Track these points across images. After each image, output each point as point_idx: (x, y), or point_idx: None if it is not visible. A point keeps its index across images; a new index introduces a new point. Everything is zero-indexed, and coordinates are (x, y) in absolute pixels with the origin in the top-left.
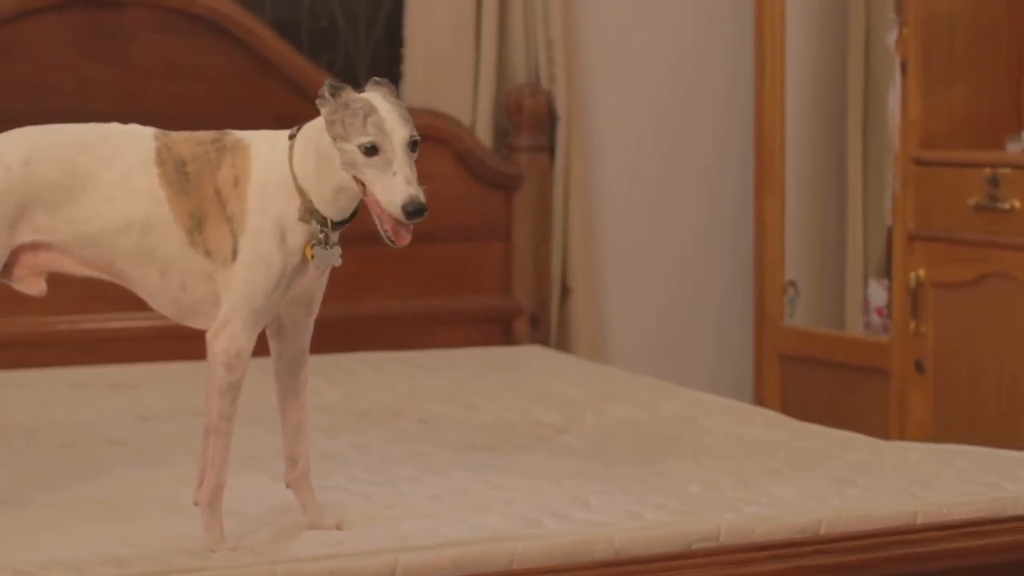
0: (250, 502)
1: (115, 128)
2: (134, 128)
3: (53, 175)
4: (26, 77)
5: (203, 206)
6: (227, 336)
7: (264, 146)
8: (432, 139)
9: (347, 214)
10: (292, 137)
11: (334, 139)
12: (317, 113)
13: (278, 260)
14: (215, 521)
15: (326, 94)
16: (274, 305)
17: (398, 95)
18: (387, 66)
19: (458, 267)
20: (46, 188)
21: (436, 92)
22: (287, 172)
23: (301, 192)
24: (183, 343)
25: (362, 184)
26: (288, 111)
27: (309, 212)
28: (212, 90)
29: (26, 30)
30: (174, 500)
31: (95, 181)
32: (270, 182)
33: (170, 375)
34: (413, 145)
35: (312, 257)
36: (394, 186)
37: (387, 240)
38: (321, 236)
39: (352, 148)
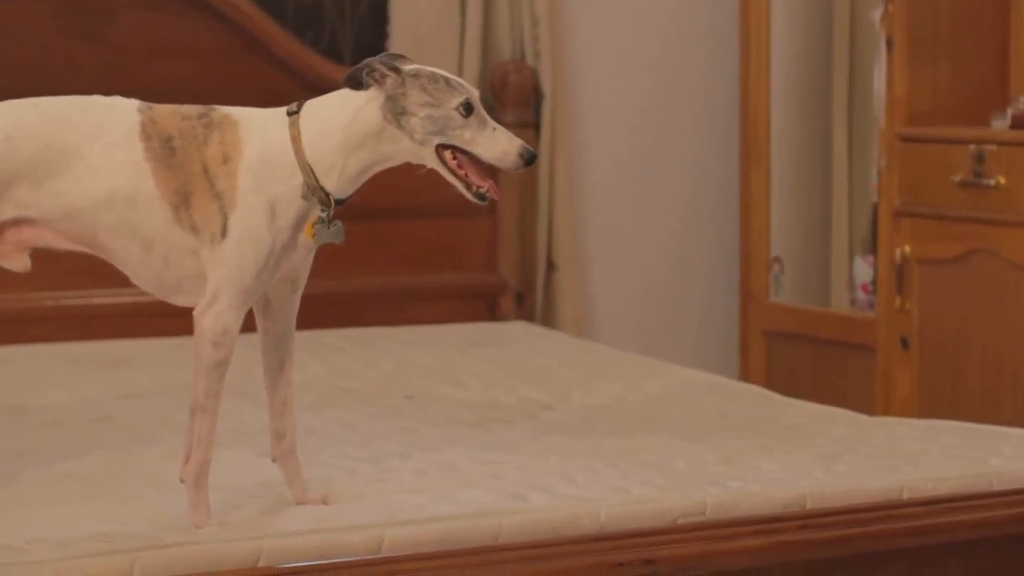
0: (236, 477)
1: (97, 100)
2: (117, 100)
3: (35, 149)
4: (9, 55)
5: (190, 182)
6: (214, 314)
7: (254, 123)
8: None
9: (350, 192)
10: (292, 114)
11: (403, 112)
12: (303, 88)
13: (268, 238)
14: (201, 498)
15: (386, 70)
16: (263, 284)
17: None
18: (372, 42)
19: (443, 243)
20: (28, 163)
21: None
22: (287, 149)
23: (306, 169)
24: (170, 319)
25: (445, 149)
26: (273, 88)
27: (312, 190)
28: (197, 67)
29: (8, 8)
30: (160, 477)
31: (78, 154)
32: (265, 159)
33: (156, 351)
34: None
35: (313, 236)
36: (499, 139)
37: (477, 198)
38: (323, 214)
39: (447, 112)
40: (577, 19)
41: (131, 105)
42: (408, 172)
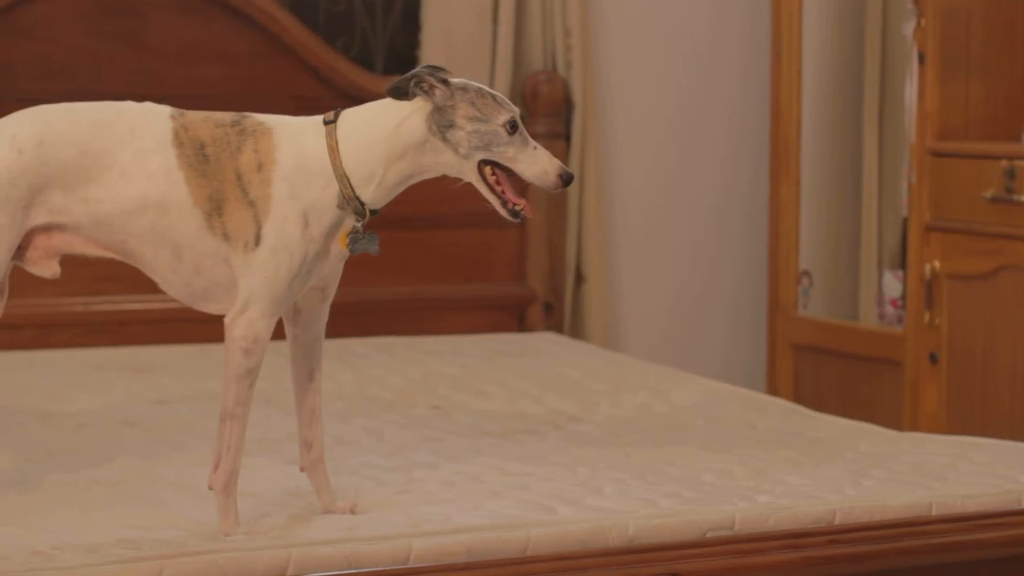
0: (265, 485)
1: (129, 106)
2: (149, 106)
3: (67, 156)
4: (42, 57)
5: (223, 189)
6: (246, 322)
7: (289, 131)
8: None
9: (384, 203)
10: (329, 123)
11: (450, 125)
12: (333, 95)
13: (301, 247)
14: (230, 505)
15: (436, 81)
16: (295, 292)
17: None
18: (404, 51)
19: (472, 253)
20: (60, 169)
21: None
22: (323, 158)
23: (343, 179)
24: (199, 326)
25: (485, 165)
26: (303, 93)
27: (347, 200)
28: (227, 72)
29: (42, 10)
30: (189, 483)
31: (110, 160)
32: (300, 168)
33: (186, 358)
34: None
35: (348, 246)
36: (540, 158)
37: (512, 215)
38: (358, 224)
39: (493, 128)
40: (609, 31)
41: (163, 111)
42: (437, 182)
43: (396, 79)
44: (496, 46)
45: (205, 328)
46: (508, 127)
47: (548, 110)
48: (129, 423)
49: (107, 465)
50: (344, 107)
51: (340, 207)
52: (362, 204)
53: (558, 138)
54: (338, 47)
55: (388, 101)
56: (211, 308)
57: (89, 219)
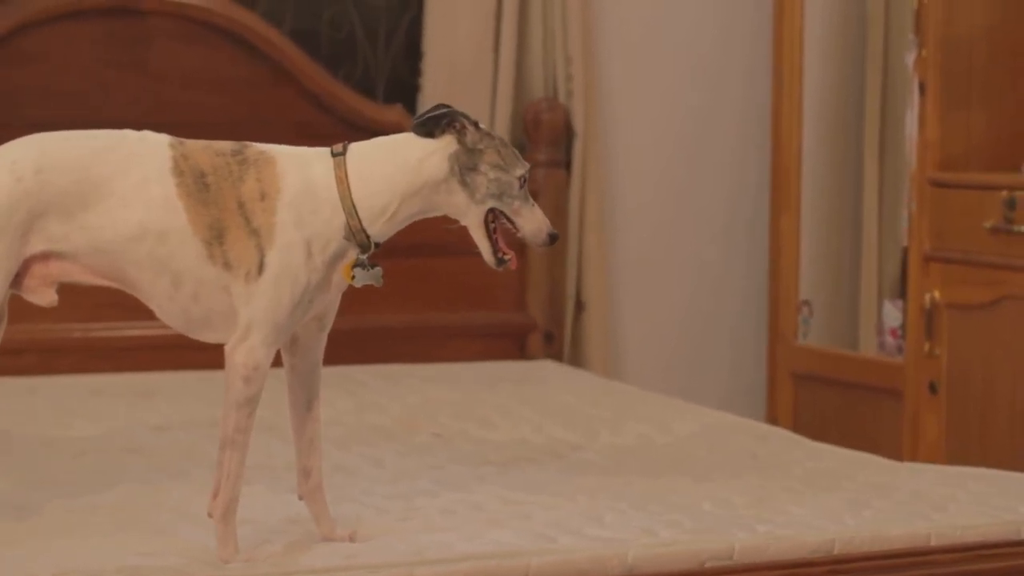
0: (264, 513)
1: (128, 135)
2: (148, 135)
3: (66, 183)
4: (48, 83)
5: (224, 218)
6: (246, 349)
7: (293, 160)
8: None
9: (388, 236)
10: (338, 155)
11: (473, 168)
12: (335, 123)
13: (304, 276)
14: (229, 533)
15: (468, 123)
16: (296, 321)
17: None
18: (406, 79)
19: (472, 281)
20: (59, 197)
21: (454, 105)
22: (331, 188)
23: (351, 211)
24: (200, 352)
25: (492, 214)
26: (306, 121)
27: (354, 232)
28: (231, 99)
29: (49, 36)
30: (189, 510)
31: (109, 188)
32: (307, 197)
33: (186, 384)
34: None
35: (353, 278)
36: (537, 215)
37: (499, 264)
38: (363, 257)
39: (511, 179)
40: (610, 59)
41: (162, 140)
42: None
43: (423, 115)
44: (497, 74)
45: (205, 355)
46: (521, 181)
47: (549, 138)
48: (130, 449)
49: (108, 491)
50: (345, 135)
51: (346, 238)
52: (368, 237)
53: (559, 166)
54: (340, 75)
55: (407, 136)
56: (208, 337)
57: (87, 247)
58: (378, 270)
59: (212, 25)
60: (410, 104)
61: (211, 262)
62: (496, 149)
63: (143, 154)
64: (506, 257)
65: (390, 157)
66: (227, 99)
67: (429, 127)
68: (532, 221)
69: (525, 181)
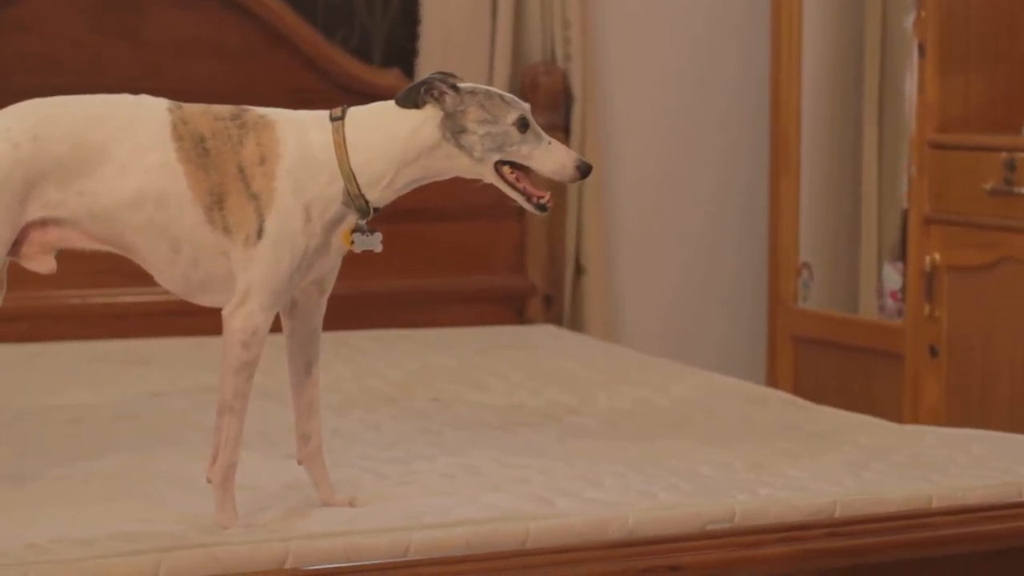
0: (263, 478)
1: (126, 99)
2: (146, 99)
3: (62, 149)
4: (39, 52)
5: (224, 183)
6: (244, 314)
7: (292, 125)
8: None
9: (388, 202)
10: (336, 119)
11: (462, 130)
12: (331, 87)
13: (303, 241)
14: (228, 499)
15: (446, 88)
16: (294, 286)
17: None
18: (402, 43)
19: (471, 246)
20: (56, 163)
21: (451, 69)
22: (329, 153)
23: (350, 176)
24: (196, 318)
25: (503, 165)
26: (302, 86)
27: (353, 197)
28: (226, 65)
29: (39, 4)
30: (185, 477)
31: (107, 154)
32: (305, 162)
33: (182, 350)
34: None
35: (352, 243)
36: (555, 152)
37: (539, 209)
38: (362, 222)
39: (504, 129)
40: (608, 22)
41: (160, 104)
42: None
43: (405, 88)
44: (495, 38)
45: (201, 321)
46: (519, 125)
47: (547, 102)
48: (125, 417)
49: (103, 459)
50: (342, 99)
51: (345, 204)
52: (366, 202)
53: (557, 130)
54: (337, 39)
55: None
56: (207, 301)
57: (85, 213)
58: (377, 235)
59: None
60: (407, 68)
61: (211, 227)
62: (480, 104)
63: (141, 119)
64: (543, 200)
65: (387, 125)
66: (222, 65)
67: (413, 98)
68: (550, 160)
69: (525, 123)
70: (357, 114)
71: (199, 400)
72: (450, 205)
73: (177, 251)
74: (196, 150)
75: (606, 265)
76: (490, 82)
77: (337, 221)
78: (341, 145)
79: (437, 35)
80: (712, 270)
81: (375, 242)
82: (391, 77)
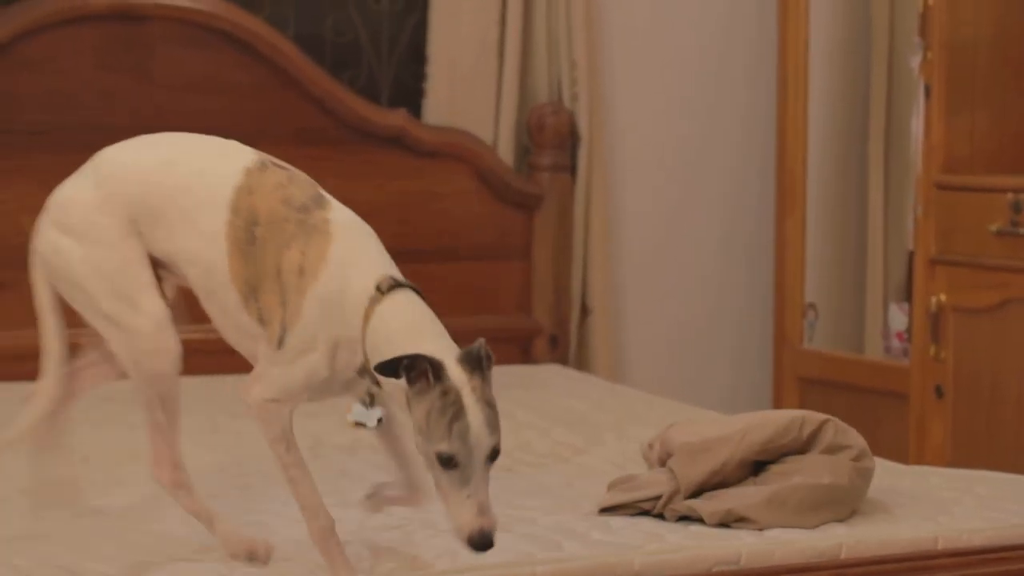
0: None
1: (210, 145)
2: (231, 150)
3: (135, 191)
4: (50, 89)
5: (260, 278)
6: (256, 396)
7: (345, 251)
8: (454, 157)
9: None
10: (380, 291)
11: (414, 420)
12: (339, 127)
13: (317, 369)
14: (337, 559)
15: (429, 375)
16: (307, 398)
17: (490, 364)
18: (410, 83)
19: (478, 285)
20: (133, 203)
21: (459, 110)
22: (357, 313)
23: (364, 353)
24: (204, 358)
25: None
26: (310, 126)
27: (363, 371)
28: (234, 104)
29: (50, 42)
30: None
31: (173, 202)
32: (336, 303)
33: (190, 390)
34: (495, 454)
35: (348, 411)
36: (465, 510)
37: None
38: (366, 398)
39: (428, 451)
40: (614, 63)
41: (241, 159)
42: (443, 214)
43: (392, 357)
44: (502, 78)
45: (210, 360)
46: (440, 460)
47: (554, 142)
48: (133, 456)
49: (113, 496)
50: (349, 139)
51: (359, 374)
52: (376, 382)
53: (563, 170)
54: (344, 80)
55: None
56: (255, 359)
57: (161, 254)
58: (376, 411)
59: (215, 30)
60: (415, 109)
61: (247, 312)
62: (426, 411)
63: (212, 172)
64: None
65: (406, 334)
66: (230, 104)
67: (393, 368)
68: (456, 513)
69: (450, 462)
70: (398, 301)
71: (209, 440)
72: (457, 245)
73: (224, 315)
74: (245, 233)
75: (612, 305)
76: (497, 122)
77: (354, 371)
78: (367, 319)
79: (444, 75)
80: (718, 310)
81: (372, 417)
82: (398, 117)
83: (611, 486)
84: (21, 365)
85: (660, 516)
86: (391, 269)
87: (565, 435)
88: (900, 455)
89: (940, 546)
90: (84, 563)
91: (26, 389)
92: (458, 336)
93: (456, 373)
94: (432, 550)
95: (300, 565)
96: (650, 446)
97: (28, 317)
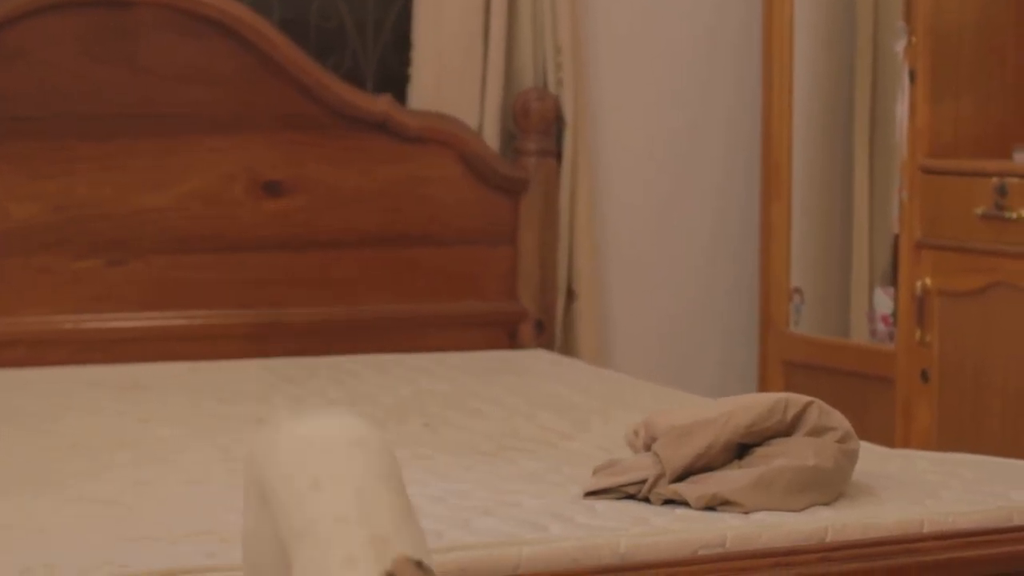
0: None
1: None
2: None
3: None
4: (33, 78)
5: None
6: None
7: None
8: (439, 142)
9: None
10: None
11: None
12: (325, 113)
13: None
14: None
15: None
16: None
17: None
18: (395, 69)
19: (463, 271)
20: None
21: (443, 95)
22: None
23: None
24: (191, 344)
25: None
26: (294, 112)
27: None
28: (219, 91)
29: (32, 30)
30: (183, 502)
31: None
32: None
33: (178, 375)
34: None
35: None
36: None
37: None
38: None
39: None
40: (600, 48)
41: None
42: (428, 199)
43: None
44: (487, 63)
45: (197, 346)
46: None
47: (539, 127)
48: (122, 442)
49: (98, 483)
50: (335, 125)
51: None
52: None
53: (549, 155)
54: (329, 65)
55: None
56: None
57: None
58: None
59: (200, 16)
60: (400, 94)
61: None
62: None
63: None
64: None
65: None
66: (215, 91)
67: None
68: None
69: None
70: None
71: (196, 425)
72: (442, 230)
73: None
74: None
75: (598, 290)
76: (483, 107)
77: None
78: None
79: (429, 61)
80: (704, 295)
81: None
82: (384, 103)
83: (596, 471)
84: (12, 351)
85: (646, 500)
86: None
87: (551, 420)
88: (886, 439)
89: (926, 529)
90: (68, 550)
91: (12, 375)
92: (445, 322)
93: None
94: None
95: None
96: (635, 432)
97: (13, 304)
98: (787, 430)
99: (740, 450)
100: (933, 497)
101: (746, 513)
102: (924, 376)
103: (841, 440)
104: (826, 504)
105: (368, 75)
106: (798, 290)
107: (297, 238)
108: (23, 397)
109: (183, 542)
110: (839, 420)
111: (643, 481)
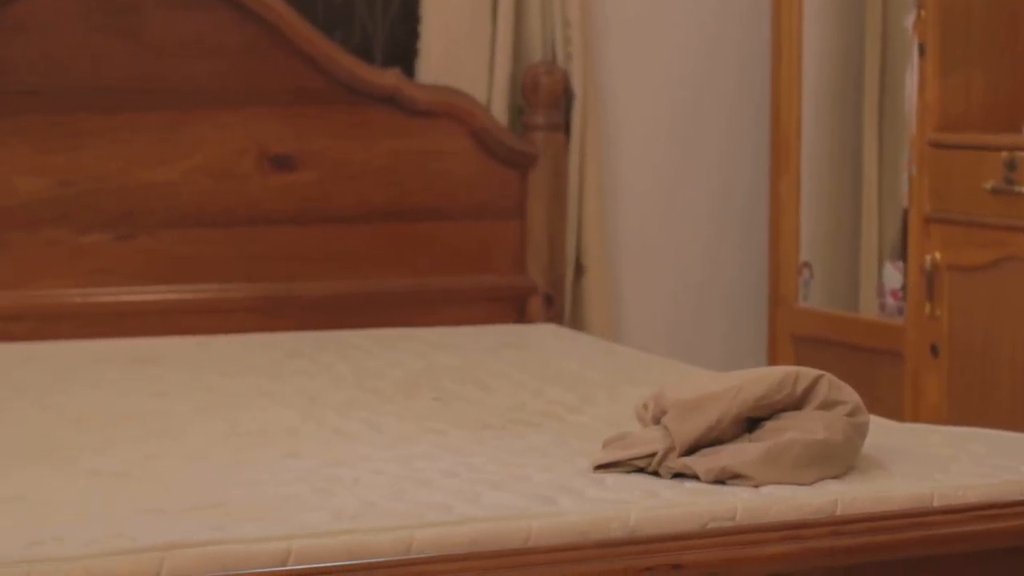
0: (264, 474)
1: None
2: None
3: None
4: (39, 51)
5: None
6: None
7: None
8: (447, 116)
9: None
10: None
11: None
12: (333, 86)
13: None
14: None
15: None
16: None
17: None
18: (403, 42)
19: (472, 245)
20: None
21: (452, 69)
22: None
23: None
24: (199, 317)
25: None
26: (302, 85)
27: None
28: (226, 64)
29: (38, 3)
30: (189, 475)
31: None
32: None
33: (186, 349)
34: None
35: None
36: None
37: None
38: None
39: None
40: (609, 22)
41: None
42: (437, 173)
43: None
44: (495, 37)
45: (206, 320)
46: None
47: (548, 101)
48: (129, 416)
49: (107, 457)
50: (343, 98)
51: None
52: None
53: (558, 130)
54: (337, 39)
55: None
56: None
57: None
58: None
59: None
60: (408, 68)
61: None
62: None
63: None
64: None
65: None
66: (222, 64)
67: None
68: None
69: None
70: None
71: (204, 399)
72: (451, 204)
73: None
74: None
75: (606, 264)
76: (491, 82)
77: None
78: None
79: (438, 35)
80: (712, 269)
81: None
82: (392, 76)
83: (606, 444)
84: (20, 325)
85: (655, 474)
86: None
87: (560, 394)
88: (895, 414)
89: (936, 503)
90: (76, 523)
91: (20, 349)
92: (454, 296)
93: None
94: (425, 504)
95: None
96: (644, 406)
97: (21, 277)
98: (797, 404)
99: (750, 424)
100: (943, 471)
101: (756, 486)
102: (934, 350)
103: (851, 414)
104: (836, 478)
105: (377, 48)
106: (807, 264)
107: (305, 212)
108: (31, 371)
109: (190, 515)
110: (849, 394)
111: (653, 454)
